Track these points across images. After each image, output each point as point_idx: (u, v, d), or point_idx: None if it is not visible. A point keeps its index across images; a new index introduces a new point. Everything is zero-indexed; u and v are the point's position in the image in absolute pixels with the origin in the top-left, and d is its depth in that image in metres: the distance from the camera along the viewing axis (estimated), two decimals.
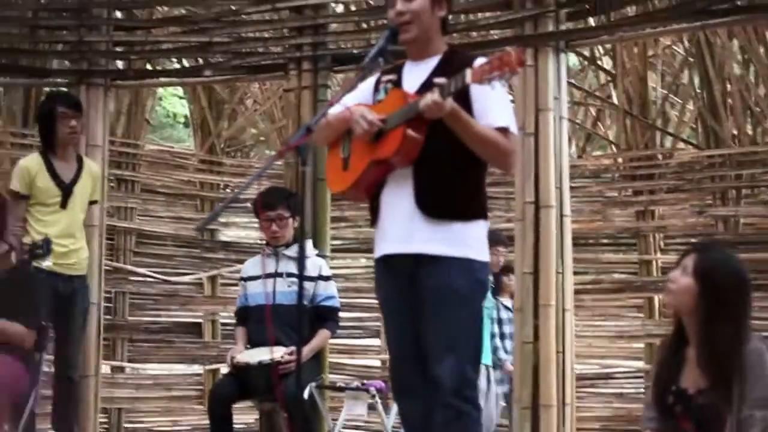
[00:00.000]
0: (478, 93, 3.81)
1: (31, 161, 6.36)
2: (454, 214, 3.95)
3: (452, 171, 3.95)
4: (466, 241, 3.95)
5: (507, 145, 3.92)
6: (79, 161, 6.48)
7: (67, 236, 6.22)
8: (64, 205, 6.29)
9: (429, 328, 3.94)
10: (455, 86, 3.66)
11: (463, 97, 3.84)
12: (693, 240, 9.03)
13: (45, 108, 6.50)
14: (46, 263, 5.53)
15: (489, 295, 5.47)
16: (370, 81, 4.26)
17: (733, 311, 3.58)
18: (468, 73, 3.61)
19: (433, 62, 4.08)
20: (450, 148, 3.88)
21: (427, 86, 3.84)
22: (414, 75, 4.08)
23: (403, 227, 3.95)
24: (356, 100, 4.16)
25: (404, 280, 3.99)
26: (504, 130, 3.92)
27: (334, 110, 4.06)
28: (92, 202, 6.60)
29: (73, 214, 6.33)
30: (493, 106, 3.91)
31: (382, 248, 4.07)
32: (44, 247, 5.25)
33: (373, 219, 4.12)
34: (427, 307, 3.93)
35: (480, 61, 3.75)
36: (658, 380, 3.77)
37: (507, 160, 4.00)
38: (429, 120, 3.81)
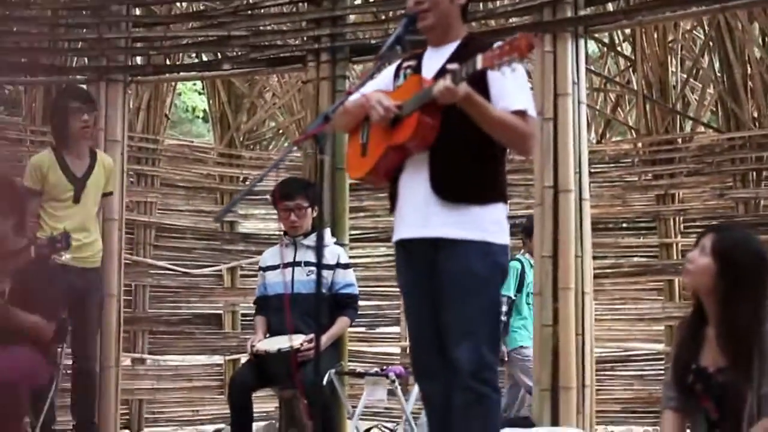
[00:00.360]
0: (495, 77, 3.80)
1: (42, 157, 6.38)
2: (470, 198, 3.98)
3: (468, 155, 3.98)
4: (483, 224, 3.97)
5: (525, 129, 3.94)
6: (93, 155, 6.49)
7: (80, 230, 6.22)
8: (77, 199, 6.32)
9: (448, 311, 3.96)
10: (466, 72, 3.69)
11: (481, 82, 3.86)
12: (713, 223, 9.00)
13: (58, 103, 6.52)
14: (65, 257, 5.57)
15: None
16: (391, 68, 4.31)
17: (753, 290, 3.58)
18: (479, 58, 3.64)
19: (451, 48, 4.11)
20: (466, 132, 3.90)
21: (443, 72, 3.86)
22: (433, 61, 4.12)
23: (421, 212, 3.98)
24: (377, 86, 4.19)
25: (423, 265, 4.03)
26: (521, 113, 3.94)
27: (354, 98, 4.06)
28: (107, 194, 6.60)
29: (86, 208, 6.35)
30: (510, 90, 3.93)
31: (401, 232, 4.11)
32: (64, 241, 5.27)
33: (392, 204, 4.16)
34: (445, 290, 3.96)
35: (496, 45, 3.75)
36: (677, 359, 3.78)
37: (525, 144, 4.03)
38: (443, 105, 3.82)
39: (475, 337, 3.91)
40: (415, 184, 4.00)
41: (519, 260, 8.33)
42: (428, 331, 4.08)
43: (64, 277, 5.95)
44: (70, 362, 6.47)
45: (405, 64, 4.24)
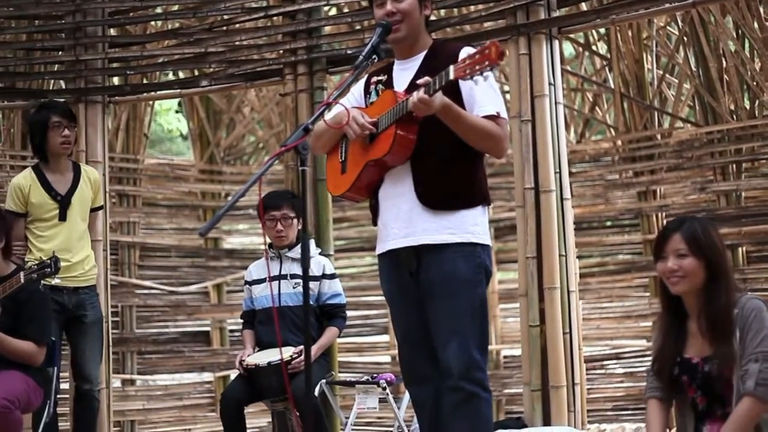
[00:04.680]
0: (465, 83, 3.84)
1: (23, 178, 6.24)
2: (454, 204, 4.05)
3: (449, 162, 4.05)
4: (467, 226, 4.05)
5: (498, 132, 4.02)
6: (76, 170, 6.37)
7: (69, 249, 6.12)
8: (63, 217, 6.19)
9: (436, 314, 4.02)
10: (439, 83, 3.77)
11: (454, 89, 3.94)
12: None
13: (38, 117, 6.33)
14: (55, 281, 5.56)
15: None
16: (360, 83, 4.35)
17: (725, 274, 3.67)
18: (451, 69, 3.72)
19: (419, 59, 4.19)
20: (444, 141, 3.99)
21: (414, 85, 3.91)
22: (403, 74, 4.19)
23: (405, 221, 4.06)
24: (349, 104, 4.23)
25: (408, 272, 4.10)
26: (494, 118, 4.00)
27: (329, 115, 4.08)
28: (96, 209, 6.50)
29: (73, 226, 6.22)
30: (481, 95, 4.00)
31: (386, 244, 4.16)
32: (53, 265, 5.25)
33: (375, 217, 4.24)
34: (433, 294, 4.03)
35: (465, 52, 3.90)
36: (661, 353, 3.83)
37: (499, 147, 4.07)
38: (420, 118, 3.90)
39: (463, 338, 3.98)
40: (398, 196, 4.08)
41: None
42: (417, 336, 4.14)
43: (54, 298, 5.93)
44: (66, 385, 6.45)
45: (374, 79, 4.30)
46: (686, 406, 3.77)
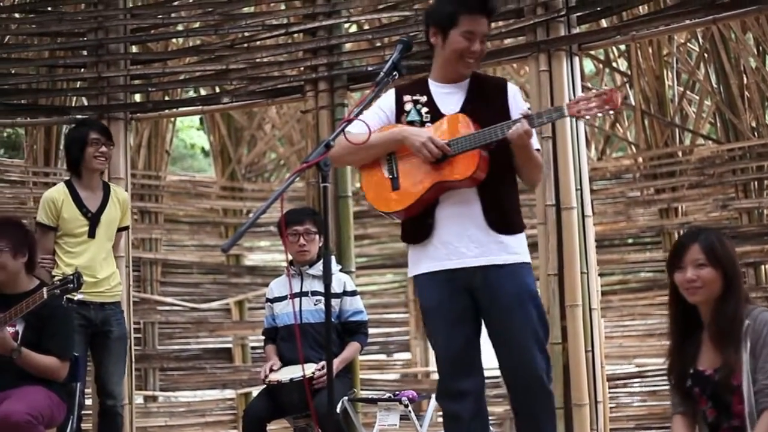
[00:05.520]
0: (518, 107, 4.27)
1: (56, 192, 6.27)
2: (513, 229, 4.33)
3: (507, 189, 4.38)
4: (523, 248, 4.35)
5: (541, 164, 4.37)
6: (106, 189, 6.40)
7: (95, 266, 6.16)
8: (92, 234, 6.21)
9: (512, 324, 4.25)
10: (549, 118, 4.27)
11: (505, 107, 4.31)
12: None
13: (76, 133, 6.37)
14: (78, 297, 5.57)
15: None
16: (390, 100, 4.44)
17: (738, 283, 3.74)
18: (565, 107, 4.12)
19: (463, 86, 4.37)
20: (506, 169, 4.28)
21: (471, 107, 4.28)
22: (447, 97, 4.37)
23: (475, 242, 4.26)
24: (379, 119, 4.37)
25: (468, 291, 4.29)
26: (537, 151, 4.32)
27: (357, 130, 4.13)
28: (122, 229, 6.51)
29: (100, 243, 6.25)
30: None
31: (445, 263, 4.31)
32: (75, 281, 5.28)
33: (424, 235, 4.34)
34: (506, 307, 4.25)
35: (512, 88, 4.39)
36: (674, 366, 3.90)
37: (540, 178, 4.51)
38: (491, 145, 4.15)
39: (541, 343, 4.30)
40: (463, 216, 4.26)
41: None
42: (466, 353, 4.32)
43: (81, 313, 5.99)
44: (89, 401, 6.46)
45: (408, 97, 4.41)
46: (699, 419, 3.82)
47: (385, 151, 4.31)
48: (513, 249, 4.28)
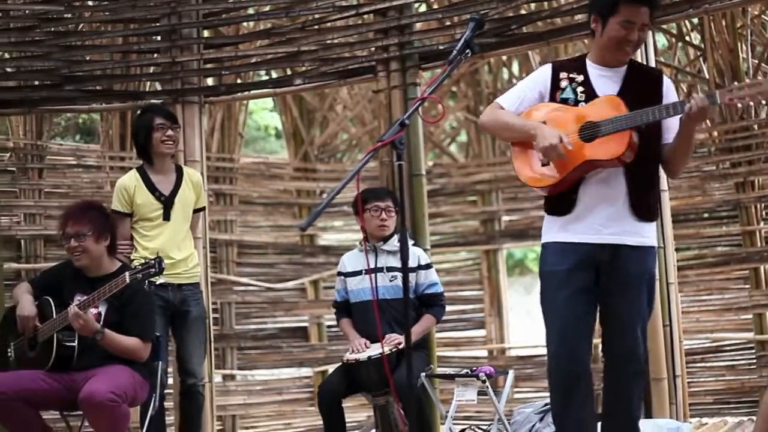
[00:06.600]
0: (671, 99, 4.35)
1: (128, 179, 6.38)
2: (651, 216, 4.48)
3: (653, 177, 4.46)
4: (653, 232, 4.51)
5: (691, 152, 4.50)
6: (179, 172, 6.50)
7: (173, 247, 6.25)
8: (167, 217, 6.31)
9: (625, 304, 4.40)
10: (721, 99, 4.14)
11: (659, 99, 4.39)
12: None
13: (142, 120, 6.48)
14: (160, 280, 5.65)
15: None
16: (545, 75, 4.57)
17: None
18: (717, 93, 4.13)
19: (621, 72, 4.48)
20: (653, 156, 4.39)
21: (627, 94, 4.35)
22: (604, 80, 4.48)
23: (612, 221, 4.38)
24: (530, 98, 4.54)
25: (594, 267, 4.40)
26: None
27: (507, 103, 4.52)
28: (198, 210, 6.59)
29: (176, 225, 6.34)
30: (676, 123, 4.34)
31: (581, 236, 4.41)
32: (157, 265, 5.36)
33: (566, 208, 4.45)
34: (627, 285, 4.39)
35: (666, 80, 4.48)
36: None
37: (683, 168, 4.60)
38: (642, 127, 4.25)
39: (645, 325, 4.47)
40: (607, 197, 4.38)
41: None
42: (584, 324, 4.44)
43: (160, 294, 6.10)
44: (170, 380, 6.58)
45: (564, 74, 4.52)
46: None
47: (521, 138, 4.46)
48: (646, 232, 4.42)
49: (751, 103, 4.10)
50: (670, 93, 4.44)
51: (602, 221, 4.36)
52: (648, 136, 4.30)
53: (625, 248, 4.36)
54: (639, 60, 6.31)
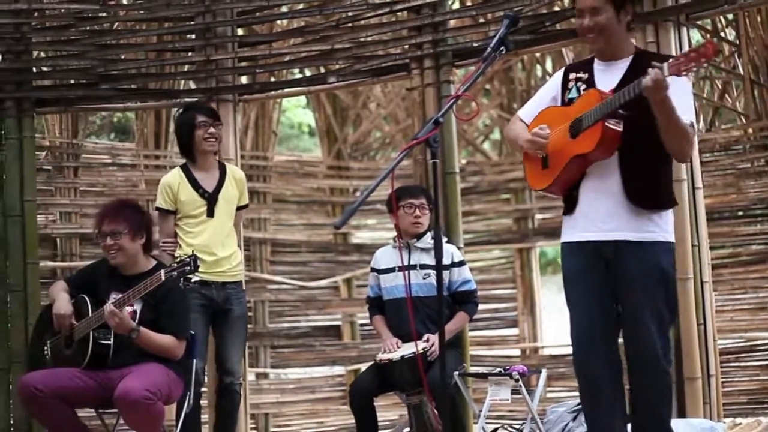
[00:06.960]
0: (673, 87, 4.03)
1: (172, 177, 6.38)
2: (656, 204, 4.34)
3: (653, 163, 4.33)
4: (666, 226, 4.36)
5: (692, 139, 4.29)
6: (222, 169, 6.49)
7: (216, 244, 6.25)
8: (210, 214, 6.30)
9: (637, 302, 4.30)
10: (663, 73, 3.96)
11: None
12: None
13: (184, 118, 6.49)
14: (194, 278, 5.69)
15: None
16: (557, 78, 4.60)
17: None
18: (665, 66, 3.93)
19: (624, 63, 4.41)
20: (648, 141, 4.27)
21: (625, 85, 4.16)
22: (605, 75, 4.42)
23: (610, 215, 4.31)
24: (539, 103, 4.58)
25: (604, 263, 4.34)
26: (690, 125, 4.21)
27: (525, 114, 4.60)
28: (241, 207, 6.59)
29: (220, 222, 6.33)
30: (685, 102, 4.22)
31: (584, 234, 4.39)
32: (192, 263, 5.38)
33: (570, 208, 4.45)
34: (633, 284, 4.30)
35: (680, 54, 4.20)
36: None
37: (688, 151, 4.39)
38: (625, 114, 4.15)
39: (663, 324, 4.32)
40: (603, 190, 4.33)
41: None
42: (601, 324, 4.37)
43: (202, 292, 6.10)
44: (206, 378, 6.60)
45: (573, 75, 4.53)
46: None
47: (521, 149, 4.50)
48: (649, 226, 4.30)
49: (696, 68, 3.91)
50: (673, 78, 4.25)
51: (602, 217, 4.32)
52: (639, 124, 4.18)
53: (624, 244, 4.29)
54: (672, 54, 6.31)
